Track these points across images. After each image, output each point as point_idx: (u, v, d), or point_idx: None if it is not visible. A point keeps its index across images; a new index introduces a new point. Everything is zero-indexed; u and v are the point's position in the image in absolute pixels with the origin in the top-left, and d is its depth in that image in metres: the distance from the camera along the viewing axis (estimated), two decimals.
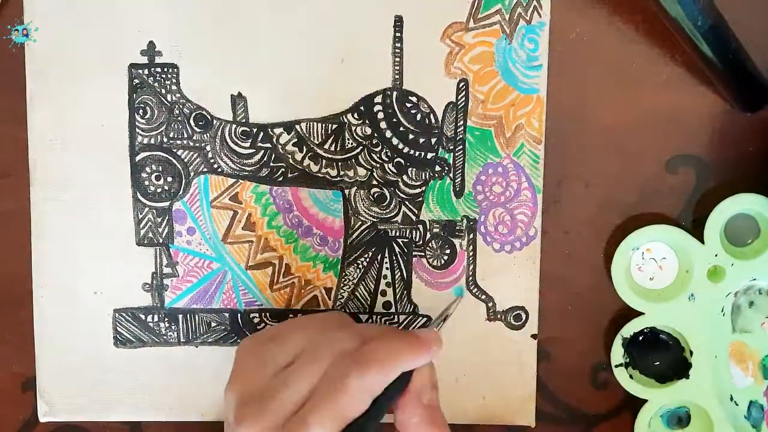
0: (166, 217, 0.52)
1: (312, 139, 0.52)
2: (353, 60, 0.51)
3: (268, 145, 0.52)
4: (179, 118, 0.52)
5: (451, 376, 0.53)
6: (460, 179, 0.52)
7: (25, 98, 0.52)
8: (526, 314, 0.53)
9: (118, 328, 0.53)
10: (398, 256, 0.53)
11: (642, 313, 0.52)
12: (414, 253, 0.53)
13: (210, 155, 0.52)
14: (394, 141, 0.52)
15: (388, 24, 0.51)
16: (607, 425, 0.55)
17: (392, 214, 0.52)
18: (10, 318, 0.54)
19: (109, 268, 0.52)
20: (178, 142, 0.52)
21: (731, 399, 0.53)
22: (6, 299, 0.53)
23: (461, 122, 0.52)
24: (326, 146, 0.52)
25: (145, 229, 0.52)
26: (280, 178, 0.52)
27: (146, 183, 0.52)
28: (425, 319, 0.53)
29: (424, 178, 0.52)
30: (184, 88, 0.51)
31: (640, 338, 0.53)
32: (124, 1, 0.51)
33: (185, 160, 0.52)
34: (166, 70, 0.51)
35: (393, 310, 0.53)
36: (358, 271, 0.53)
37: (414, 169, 0.52)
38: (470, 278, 0.53)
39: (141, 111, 0.52)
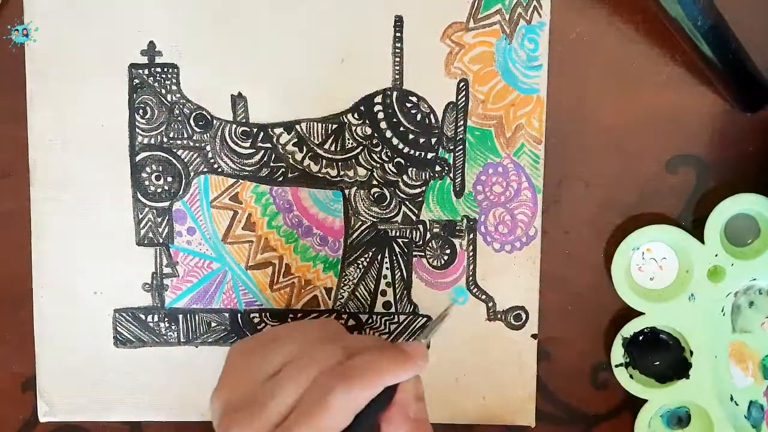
0: (166, 217, 0.52)
1: (312, 139, 0.52)
2: (353, 60, 0.51)
3: (268, 145, 0.52)
4: (179, 118, 0.52)
5: (451, 376, 0.53)
6: (460, 179, 0.52)
7: (25, 98, 0.52)
8: (526, 314, 0.53)
9: (118, 328, 0.53)
10: (398, 256, 0.53)
11: (642, 313, 0.52)
12: (414, 253, 0.53)
13: (210, 155, 0.52)
14: (394, 141, 0.52)
15: (388, 24, 0.51)
16: (607, 425, 0.55)
17: (392, 214, 0.52)
18: (10, 318, 0.54)
19: (109, 268, 0.52)
20: (178, 142, 0.52)
21: (731, 399, 0.53)
22: (6, 299, 0.53)
23: (461, 122, 0.52)
24: (326, 146, 0.52)
25: (145, 229, 0.52)
26: (280, 178, 0.52)
27: (146, 183, 0.52)
28: (425, 319, 0.53)
29: (424, 178, 0.52)
30: (184, 88, 0.51)
31: (640, 338, 0.53)
32: (124, 1, 0.51)
33: (185, 160, 0.52)
34: (166, 70, 0.51)
35: (393, 310, 0.53)
36: (358, 271, 0.53)
37: (414, 169, 0.52)
38: (470, 278, 0.53)
39: (141, 111, 0.52)
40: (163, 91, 0.51)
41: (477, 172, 0.52)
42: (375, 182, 0.52)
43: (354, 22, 0.51)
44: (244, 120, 0.52)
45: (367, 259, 0.53)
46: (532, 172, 0.52)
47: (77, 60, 0.51)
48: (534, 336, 0.53)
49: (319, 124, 0.52)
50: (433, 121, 0.52)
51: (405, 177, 0.52)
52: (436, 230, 0.52)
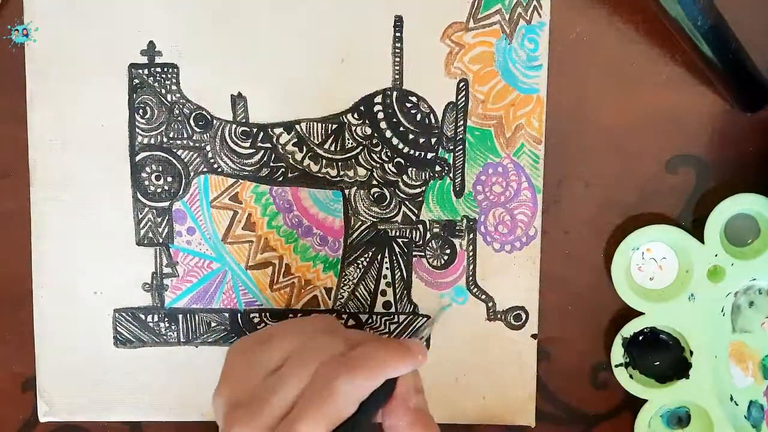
0: (166, 217, 0.52)
1: (312, 139, 0.52)
2: (353, 60, 0.51)
3: (268, 145, 0.52)
4: (179, 118, 0.52)
5: (451, 376, 0.53)
6: (460, 179, 0.52)
7: (25, 98, 0.52)
8: (526, 314, 0.53)
9: (118, 328, 0.53)
10: (398, 256, 0.53)
11: (642, 313, 0.52)
12: (414, 253, 0.53)
13: (210, 155, 0.52)
14: (394, 141, 0.52)
15: (388, 24, 0.51)
16: (607, 425, 0.55)
17: (392, 214, 0.52)
18: (10, 318, 0.54)
19: (109, 268, 0.52)
20: (178, 142, 0.52)
21: (731, 399, 0.53)
22: (6, 299, 0.53)
23: (461, 122, 0.52)
24: (326, 146, 0.52)
25: (145, 229, 0.52)
26: (280, 178, 0.52)
27: (146, 183, 0.52)
28: (425, 319, 0.53)
29: (424, 178, 0.52)
30: (184, 88, 0.51)
31: (640, 338, 0.53)
32: (124, 1, 0.51)
33: (185, 160, 0.52)
34: (166, 70, 0.51)
35: (393, 310, 0.53)
36: (358, 271, 0.53)
37: (414, 169, 0.52)
38: (470, 278, 0.53)
39: (141, 111, 0.52)
40: (163, 91, 0.51)
41: (477, 172, 0.52)
42: (375, 182, 0.52)
43: (354, 22, 0.51)
44: (244, 120, 0.52)
45: (367, 259, 0.53)
46: (532, 172, 0.52)
47: (77, 60, 0.51)
48: (534, 336, 0.53)
49: (319, 124, 0.52)
50: (433, 121, 0.52)
51: (405, 177, 0.52)
52: (436, 230, 0.52)
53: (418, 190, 0.52)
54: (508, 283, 0.53)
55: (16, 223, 0.53)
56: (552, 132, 0.52)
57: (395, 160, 0.52)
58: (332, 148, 0.52)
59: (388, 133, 0.52)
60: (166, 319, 0.53)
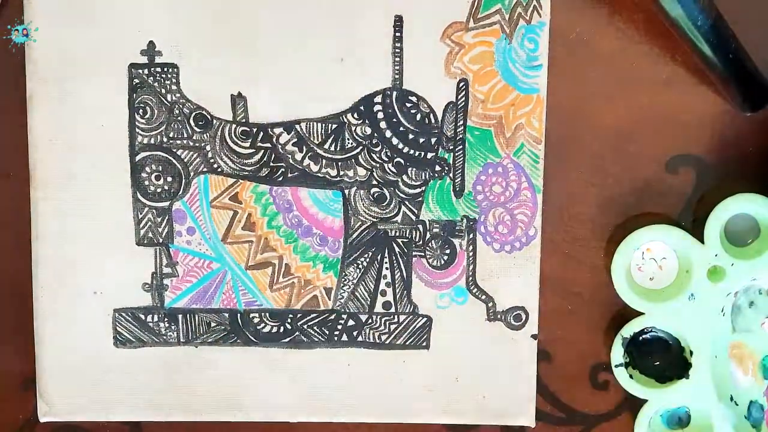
0: (166, 217, 0.52)
1: (312, 139, 0.52)
2: (353, 60, 0.51)
3: (268, 145, 0.52)
4: (179, 118, 0.52)
5: (451, 376, 0.53)
6: (459, 179, 0.52)
7: (25, 98, 0.52)
8: (526, 314, 0.53)
9: (118, 328, 0.53)
10: (398, 256, 0.53)
11: (642, 313, 0.52)
12: (414, 253, 0.53)
13: (210, 155, 0.52)
14: (394, 141, 0.52)
15: (388, 24, 0.51)
16: (607, 425, 0.55)
17: (392, 214, 0.52)
18: (10, 318, 0.54)
19: (109, 268, 0.52)
20: (178, 141, 0.52)
21: (731, 399, 0.53)
22: (6, 299, 0.53)
23: (461, 122, 0.52)
24: (326, 146, 0.52)
25: (145, 229, 0.52)
26: (280, 178, 0.52)
27: (146, 183, 0.52)
28: (425, 319, 0.53)
29: (423, 178, 0.52)
30: (184, 88, 0.51)
31: (640, 338, 0.53)
32: (124, 1, 0.51)
33: (185, 160, 0.52)
34: (166, 70, 0.51)
35: (393, 310, 0.53)
36: (358, 271, 0.53)
37: (414, 169, 0.52)
38: (470, 278, 0.53)
39: (141, 111, 0.52)
40: (163, 90, 0.51)
41: (477, 172, 0.52)
42: (375, 182, 0.52)
43: (354, 22, 0.51)
44: (243, 120, 0.52)
45: (367, 259, 0.53)
46: (532, 172, 0.52)
47: (77, 60, 0.51)
48: (534, 336, 0.53)
49: (319, 124, 0.52)
50: (433, 121, 0.52)
51: (405, 177, 0.52)
52: (435, 230, 0.52)
53: (417, 190, 0.52)
54: (508, 283, 0.53)
55: (16, 223, 0.53)
56: (552, 132, 0.52)
57: (395, 160, 0.52)
58: (332, 148, 0.52)
59: (388, 133, 0.52)
60: (166, 319, 0.53)
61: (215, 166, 0.52)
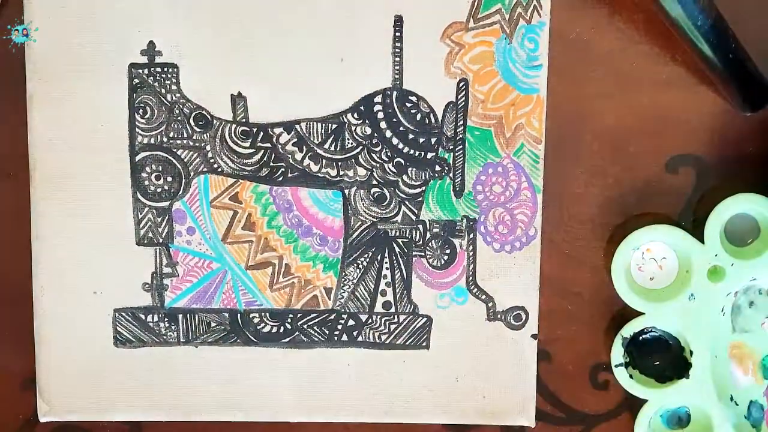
0: (166, 217, 0.52)
1: (312, 138, 0.52)
2: (353, 60, 0.51)
3: (268, 144, 0.52)
4: (179, 118, 0.52)
5: (451, 376, 0.53)
6: (460, 179, 0.52)
7: (25, 98, 0.52)
8: (526, 314, 0.53)
9: (118, 327, 0.53)
10: (398, 256, 0.53)
11: (642, 313, 0.52)
12: (414, 253, 0.53)
13: (210, 155, 0.52)
14: (394, 141, 0.52)
15: (388, 24, 0.51)
16: (607, 425, 0.55)
17: (392, 213, 0.52)
18: (10, 318, 0.54)
19: (109, 268, 0.52)
20: (178, 141, 0.52)
21: (731, 399, 0.53)
22: (6, 299, 0.53)
23: (461, 122, 0.52)
24: (326, 146, 0.52)
25: (145, 228, 0.52)
26: (280, 178, 0.52)
27: (146, 183, 0.52)
28: (425, 319, 0.53)
29: (424, 177, 0.52)
30: (184, 87, 0.51)
31: (640, 338, 0.53)
32: (124, 1, 0.51)
33: (185, 160, 0.52)
34: (166, 69, 0.51)
35: (393, 310, 0.53)
36: (358, 271, 0.53)
37: (414, 169, 0.52)
38: (470, 278, 0.53)
39: (141, 111, 0.52)
40: (163, 90, 0.51)
41: (477, 171, 0.52)
42: (375, 182, 0.52)
43: (354, 21, 0.51)
44: (243, 120, 0.52)
45: (367, 259, 0.53)
46: (532, 172, 0.52)
47: (77, 60, 0.51)
48: (534, 336, 0.53)
49: (319, 124, 0.52)
50: (433, 120, 0.52)
51: (405, 177, 0.52)
52: (435, 230, 0.52)
53: (417, 190, 0.52)
54: (508, 283, 0.53)
55: (16, 223, 0.53)
56: (552, 132, 0.52)
57: (395, 160, 0.52)
58: (332, 148, 0.52)
59: (388, 133, 0.52)
60: (166, 319, 0.53)
61: (215, 166, 0.52)
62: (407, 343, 0.53)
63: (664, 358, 0.53)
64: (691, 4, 0.47)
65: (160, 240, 0.52)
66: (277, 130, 0.52)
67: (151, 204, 0.52)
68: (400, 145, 0.52)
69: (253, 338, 0.53)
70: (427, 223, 0.52)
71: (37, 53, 0.51)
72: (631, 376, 0.53)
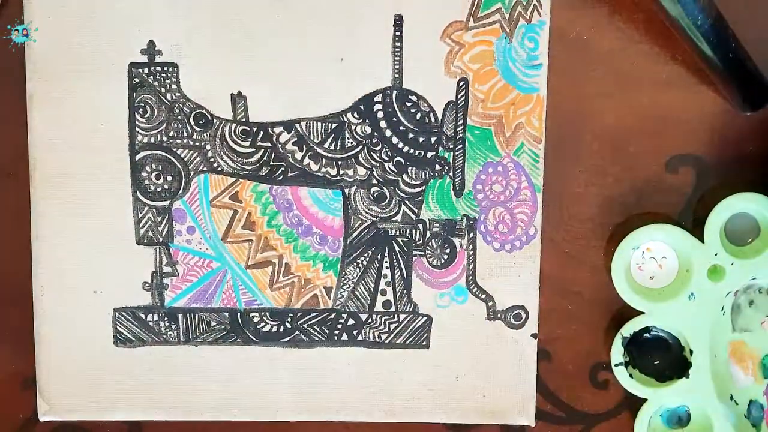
0: (166, 216, 0.52)
1: (312, 138, 0.52)
2: (353, 59, 0.51)
3: (268, 144, 0.52)
4: (179, 117, 0.52)
5: (451, 376, 0.53)
6: (460, 178, 0.52)
7: (25, 98, 0.52)
8: (526, 313, 0.53)
9: (118, 327, 0.53)
10: (398, 255, 0.53)
11: (642, 313, 0.52)
12: (414, 253, 0.53)
13: (210, 154, 0.52)
14: (394, 140, 0.52)
15: (387, 23, 0.51)
16: (607, 425, 0.55)
17: (392, 213, 0.52)
18: (10, 318, 0.54)
19: (109, 268, 0.52)
20: (178, 141, 0.52)
21: (731, 398, 0.53)
22: (6, 299, 0.53)
23: (461, 121, 0.52)
24: (326, 145, 0.52)
25: (145, 228, 0.52)
26: (280, 177, 0.52)
27: (146, 182, 0.52)
28: (425, 318, 0.53)
29: (423, 177, 0.52)
30: (184, 87, 0.52)
31: (640, 337, 0.53)
32: (123, 0, 0.51)
33: (185, 159, 0.52)
34: (166, 69, 0.51)
35: (393, 309, 0.53)
36: (357, 270, 0.53)
37: (414, 168, 0.52)
38: (470, 277, 0.53)
39: (141, 110, 0.52)
40: (163, 90, 0.52)
41: (477, 171, 0.52)
42: (375, 181, 0.52)
43: (354, 21, 0.51)
44: (243, 119, 0.52)
45: (367, 259, 0.53)
46: (532, 172, 0.52)
47: (77, 60, 0.51)
48: (534, 335, 0.53)
49: (319, 124, 0.52)
50: (433, 120, 0.52)
51: (405, 176, 0.52)
52: (435, 229, 0.52)
53: (417, 190, 0.52)
54: (508, 282, 0.53)
55: (16, 222, 0.53)
56: (552, 131, 0.52)
57: (395, 159, 0.52)
58: (332, 147, 0.52)
59: (388, 132, 0.52)
60: (166, 319, 0.53)
61: (215, 165, 0.52)
62: (407, 343, 0.53)
63: (664, 358, 0.53)
64: (691, 3, 0.47)
65: (160, 239, 0.52)
66: (277, 130, 0.52)
67: (151, 203, 0.52)
68: (400, 145, 0.52)
69: (253, 337, 0.53)
70: (427, 222, 0.52)
71: (37, 53, 0.51)
72: (631, 376, 0.53)
